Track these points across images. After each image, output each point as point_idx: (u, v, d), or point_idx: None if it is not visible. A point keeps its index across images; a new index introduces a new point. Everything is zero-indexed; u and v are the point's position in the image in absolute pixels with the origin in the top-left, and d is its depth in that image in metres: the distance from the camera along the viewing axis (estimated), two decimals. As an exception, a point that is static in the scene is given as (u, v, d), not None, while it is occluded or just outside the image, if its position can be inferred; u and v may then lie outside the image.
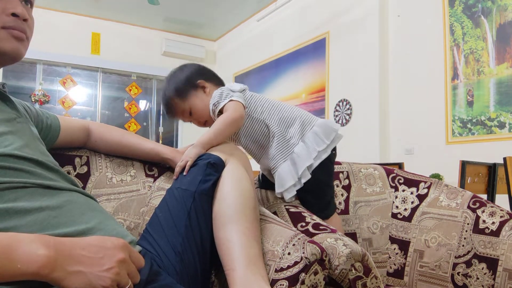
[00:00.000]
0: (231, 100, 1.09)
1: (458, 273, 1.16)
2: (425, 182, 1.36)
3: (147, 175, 1.11)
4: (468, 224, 1.19)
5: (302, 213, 1.07)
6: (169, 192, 0.95)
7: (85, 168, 1.05)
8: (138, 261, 0.65)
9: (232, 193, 0.87)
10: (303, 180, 1.13)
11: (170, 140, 6.12)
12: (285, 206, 1.13)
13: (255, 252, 0.80)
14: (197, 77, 1.19)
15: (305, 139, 1.16)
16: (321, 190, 1.19)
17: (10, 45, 0.74)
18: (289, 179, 1.13)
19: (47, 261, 0.53)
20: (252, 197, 0.89)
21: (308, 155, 1.13)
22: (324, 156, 1.16)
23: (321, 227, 0.96)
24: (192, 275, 0.84)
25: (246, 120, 1.15)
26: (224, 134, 1.05)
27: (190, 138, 5.87)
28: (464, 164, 2.13)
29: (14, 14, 0.74)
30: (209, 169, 0.90)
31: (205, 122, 1.21)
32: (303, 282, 0.76)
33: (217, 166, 0.91)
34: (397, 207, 1.36)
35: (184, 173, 0.95)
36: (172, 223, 0.86)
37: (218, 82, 1.23)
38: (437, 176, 2.64)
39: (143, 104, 6.06)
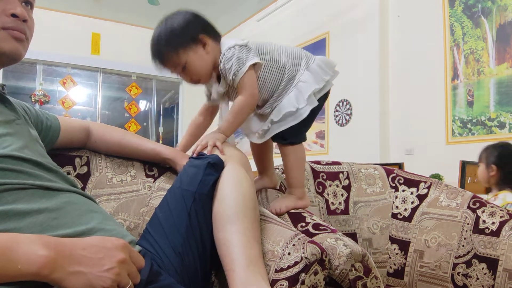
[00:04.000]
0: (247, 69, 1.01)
1: (458, 273, 1.16)
2: (425, 182, 1.37)
3: (147, 176, 1.11)
4: (468, 224, 1.19)
5: (302, 213, 1.07)
6: (170, 192, 0.95)
7: (85, 169, 1.06)
8: (138, 261, 0.65)
9: (232, 193, 0.87)
10: (310, 107, 1.06)
11: (170, 140, 6.12)
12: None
13: (255, 252, 0.80)
14: (199, 30, 1.04)
15: (310, 69, 1.11)
16: (310, 119, 1.12)
17: (9, 46, 0.74)
18: (289, 106, 1.06)
19: (47, 261, 0.53)
20: (252, 197, 0.89)
21: (315, 81, 1.09)
22: (329, 86, 1.12)
23: (321, 227, 0.96)
24: (192, 275, 0.84)
25: (262, 71, 1.08)
26: (242, 119, 1.06)
27: (190, 138, 5.86)
28: (464, 164, 2.13)
29: (13, 15, 0.74)
30: (209, 169, 0.90)
31: (198, 80, 1.09)
32: (303, 282, 0.76)
33: (217, 166, 0.91)
34: (397, 207, 1.36)
35: (195, 155, 0.97)
36: (173, 223, 0.87)
37: (217, 36, 1.09)
38: (437, 176, 2.64)
39: (143, 104, 6.06)
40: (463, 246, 1.17)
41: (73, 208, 0.71)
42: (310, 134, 4.18)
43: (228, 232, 0.82)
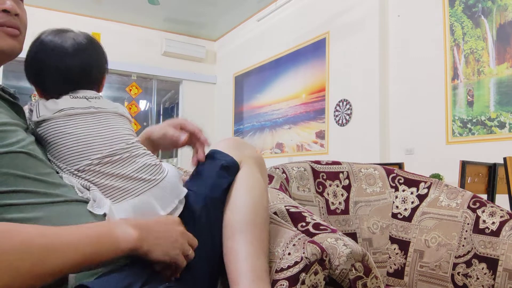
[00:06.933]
0: None
1: (458, 273, 1.16)
2: (425, 182, 1.37)
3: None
4: (468, 224, 1.19)
5: (302, 213, 1.07)
6: None
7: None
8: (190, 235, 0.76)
9: (244, 201, 0.84)
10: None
11: (170, 140, 6.11)
12: (285, 206, 1.13)
13: (262, 266, 0.78)
14: None
15: None
16: None
17: (5, 43, 0.73)
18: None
19: (139, 238, 0.64)
20: (264, 206, 0.87)
21: None
22: None
23: (321, 227, 0.96)
24: (199, 280, 0.82)
25: None
26: None
27: (190, 138, 5.86)
28: (464, 164, 2.13)
29: (4, 10, 0.73)
30: (222, 171, 0.87)
31: None
32: (303, 282, 0.76)
33: (231, 169, 0.87)
34: (397, 207, 1.36)
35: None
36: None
37: None
38: (437, 176, 2.64)
39: (143, 104, 6.06)
40: (463, 246, 1.17)
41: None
42: (310, 134, 4.18)
43: (236, 242, 0.80)
